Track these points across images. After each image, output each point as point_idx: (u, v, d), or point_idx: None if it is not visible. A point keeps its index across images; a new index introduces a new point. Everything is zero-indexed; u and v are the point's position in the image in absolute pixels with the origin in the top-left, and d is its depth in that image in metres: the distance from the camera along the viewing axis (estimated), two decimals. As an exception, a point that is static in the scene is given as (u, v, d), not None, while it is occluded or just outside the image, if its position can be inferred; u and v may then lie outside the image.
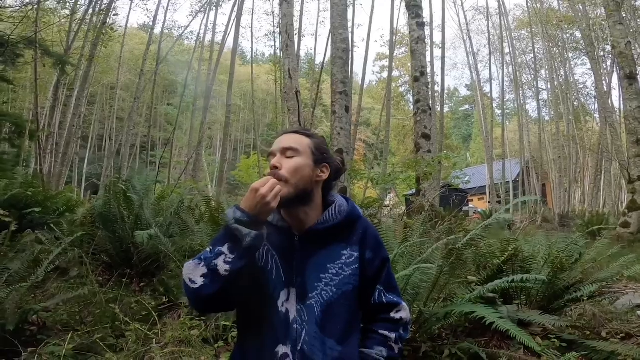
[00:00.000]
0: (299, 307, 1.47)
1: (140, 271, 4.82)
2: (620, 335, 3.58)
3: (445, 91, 34.80)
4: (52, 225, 4.86)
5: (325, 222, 1.55)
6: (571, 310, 3.76)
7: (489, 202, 31.15)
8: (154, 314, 3.78)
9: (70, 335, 3.26)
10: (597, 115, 30.92)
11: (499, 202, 29.45)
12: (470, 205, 29.74)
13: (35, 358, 2.95)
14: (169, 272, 4.49)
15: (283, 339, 1.44)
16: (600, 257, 4.59)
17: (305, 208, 1.54)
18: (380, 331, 1.62)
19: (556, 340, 3.41)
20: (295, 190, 1.48)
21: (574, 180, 30.82)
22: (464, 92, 73.05)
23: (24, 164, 13.32)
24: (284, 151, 1.52)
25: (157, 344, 3.38)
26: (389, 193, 19.37)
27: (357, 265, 1.55)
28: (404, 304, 1.68)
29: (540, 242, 4.49)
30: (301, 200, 1.52)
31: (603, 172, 28.80)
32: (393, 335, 1.62)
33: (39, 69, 12.28)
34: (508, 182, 32.23)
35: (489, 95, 37.36)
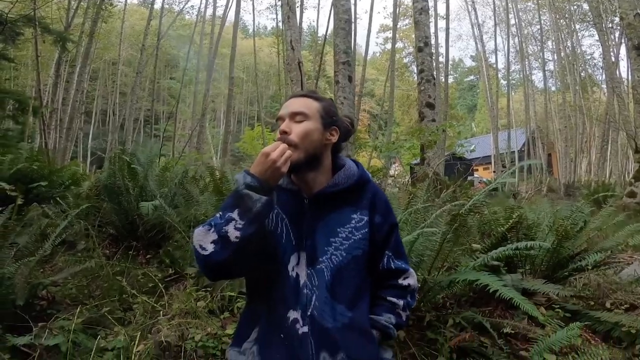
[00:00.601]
0: (309, 271, 1.47)
1: (146, 243, 4.84)
2: (625, 306, 3.59)
3: (450, 62, 34.53)
4: (58, 199, 4.89)
5: (336, 185, 1.55)
6: (575, 279, 3.78)
7: (494, 171, 31.06)
8: (160, 285, 3.81)
9: (79, 309, 3.25)
10: (604, 86, 30.72)
11: (504, 172, 29.26)
12: (475, 175, 29.63)
13: (46, 333, 2.94)
14: (174, 243, 4.51)
15: (293, 304, 1.44)
16: (605, 226, 4.58)
17: (314, 172, 1.55)
18: (389, 298, 1.63)
19: (560, 310, 3.42)
20: (305, 154, 1.48)
21: (580, 150, 30.73)
22: (469, 63, 72.88)
23: (29, 140, 13.23)
24: (293, 115, 1.51)
25: (164, 316, 3.38)
26: (394, 163, 19.33)
27: (366, 230, 1.55)
28: (411, 270, 1.69)
29: (544, 210, 4.47)
30: (311, 165, 1.52)
31: (610, 142, 28.58)
32: (401, 302, 1.63)
33: (40, 47, 12.16)
34: (513, 151, 32.07)
35: (494, 66, 36.96)
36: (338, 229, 1.52)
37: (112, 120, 38.50)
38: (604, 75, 29.43)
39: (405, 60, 42.20)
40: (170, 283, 4.20)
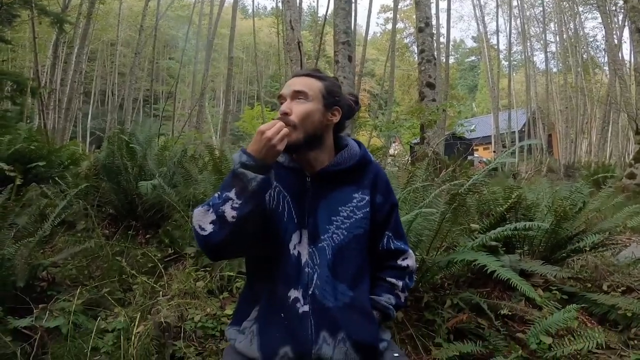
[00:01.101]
0: (310, 249, 1.48)
1: (145, 222, 4.83)
2: (621, 288, 3.60)
3: (451, 43, 34.37)
4: (56, 179, 4.87)
5: (338, 164, 1.56)
6: (573, 261, 3.78)
7: (494, 151, 31.04)
8: (159, 265, 3.82)
9: (79, 290, 3.25)
10: (606, 68, 30.63)
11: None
12: (475, 155, 29.63)
13: (47, 314, 2.93)
14: (172, 222, 4.50)
15: (294, 283, 1.45)
16: (604, 207, 4.58)
17: (315, 151, 1.55)
18: (388, 278, 1.64)
19: (557, 292, 3.43)
20: (305, 135, 1.47)
21: (580, 131, 30.67)
22: (470, 43, 72.82)
23: (28, 121, 13.21)
24: (295, 95, 1.50)
25: (163, 297, 3.38)
26: (394, 142, 19.30)
27: (367, 209, 1.56)
28: (410, 251, 1.70)
29: (543, 191, 4.47)
30: (311, 145, 1.52)
31: (611, 123, 28.53)
32: (400, 283, 1.64)
33: (37, 28, 12.05)
34: (514, 132, 32.01)
35: (496, 47, 36.76)
36: (339, 208, 1.53)
37: (111, 100, 38.51)
38: (606, 58, 29.33)
39: (406, 41, 42.12)
40: (169, 263, 4.21)
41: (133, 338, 2.79)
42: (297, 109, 1.47)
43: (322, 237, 1.49)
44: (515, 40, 36.39)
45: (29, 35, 23.52)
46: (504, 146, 30.41)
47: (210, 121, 41.27)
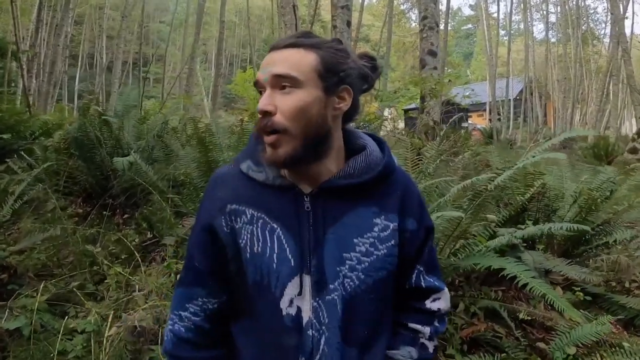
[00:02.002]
0: (315, 303, 1.01)
1: (122, 202, 4.41)
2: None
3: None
4: (22, 153, 4.37)
5: (349, 176, 1.05)
6: (603, 260, 3.39)
7: (490, 119, 30.79)
8: (136, 254, 3.42)
9: (42, 284, 2.92)
10: (606, 40, 30.85)
11: (499, 120, 29.15)
12: (470, 122, 29.40)
13: (6, 313, 2.65)
14: (149, 207, 4.06)
15: (293, 352, 1.02)
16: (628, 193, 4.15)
17: (321, 162, 1.04)
18: (411, 325, 1.18)
19: (580, 293, 3.07)
20: (303, 142, 0.98)
21: (576, 102, 30.56)
22: (467, 12, 72.75)
23: (13, 84, 13.20)
24: (276, 81, 0.97)
25: (139, 292, 3.04)
26: (390, 107, 18.89)
27: (394, 242, 1.07)
28: (445, 289, 1.22)
29: (564, 175, 3.97)
30: (314, 154, 1.01)
31: (611, 94, 28.32)
32: (427, 330, 1.17)
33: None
34: (509, 100, 31.82)
35: (495, 15, 36.44)
36: (355, 240, 1.04)
37: (100, 63, 37.67)
38: (606, 30, 29.22)
39: (402, 7, 41.46)
40: (149, 248, 3.86)
41: (105, 342, 2.48)
42: (284, 104, 0.97)
43: (331, 285, 1.02)
44: (515, 10, 35.95)
45: (11, -3, 22.86)
46: (498, 114, 30.21)
47: (202, 84, 40.77)
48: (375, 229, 1.06)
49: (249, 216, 1.04)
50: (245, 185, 1.06)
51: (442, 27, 26.17)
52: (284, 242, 1.02)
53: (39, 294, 2.78)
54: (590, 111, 31.78)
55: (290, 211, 1.04)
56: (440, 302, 1.19)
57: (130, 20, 26.03)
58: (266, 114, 0.96)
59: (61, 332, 2.49)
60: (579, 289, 3.12)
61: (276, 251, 1.02)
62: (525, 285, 2.19)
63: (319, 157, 1.03)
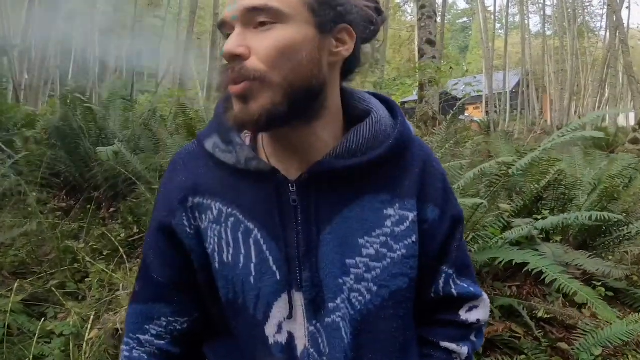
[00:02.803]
0: (312, 328, 0.75)
1: (108, 194, 4.16)
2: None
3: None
4: (1, 145, 4.10)
5: (351, 152, 0.75)
6: (620, 249, 3.17)
7: (487, 111, 30.75)
8: (121, 250, 3.18)
9: (17, 283, 2.70)
10: (602, 33, 31.24)
11: (496, 112, 29.13)
12: (466, 114, 29.25)
13: None
14: (133, 199, 3.81)
15: None
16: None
17: (308, 126, 0.74)
18: (443, 344, 0.87)
19: (602, 289, 2.83)
20: (287, 93, 0.68)
21: (573, 94, 30.67)
22: (462, 5, 73.25)
23: (4, 80, 12.67)
24: (251, 17, 0.67)
25: (123, 290, 2.82)
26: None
27: (415, 238, 0.79)
28: (484, 296, 0.92)
29: (577, 163, 3.73)
30: (302, 114, 0.71)
31: (607, 87, 28.36)
32: (464, 350, 0.87)
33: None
34: (506, 92, 31.85)
35: (491, 9, 36.66)
36: (361, 240, 0.76)
37: (93, 58, 37.48)
38: (601, 22, 29.48)
39: (398, 0, 41.64)
40: (136, 243, 3.60)
41: (85, 346, 2.32)
42: (261, 45, 0.67)
43: (331, 303, 0.75)
44: (511, 2, 36.04)
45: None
46: (495, 106, 30.17)
47: (196, 78, 40.63)
48: (388, 222, 0.78)
49: (215, 213, 0.77)
50: (211, 170, 0.79)
51: (438, 19, 26.26)
52: (264, 248, 0.75)
53: (13, 294, 2.55)
54: (587, 103, 31.85)
55: (270, 206, 0.76)
56: (479, 312, 0.90)
57: (121, 14, 25.77)
58: (235, 57, 0.67)
59: (37, 334, 2.29)
60: (600, 283, 2.88)
61: (254, 260, 0.75)
62: (541, 280, 1.98)
63: (308, 120, 0.74)
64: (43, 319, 2.53)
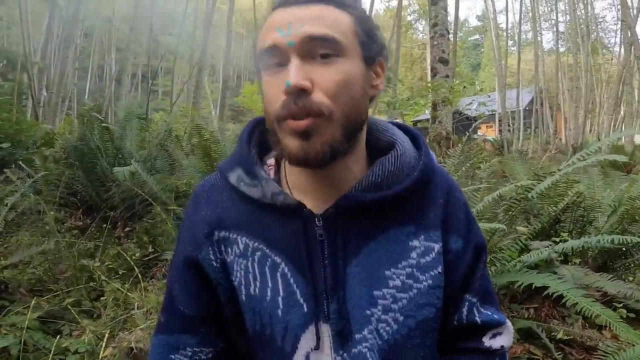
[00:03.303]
0: (339, 358, 0.74)
1: (124, 215, 4.19)
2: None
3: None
4: (20, 163, 4.16)
5: (376, 186, 0.75)
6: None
7: (500, 130, 30.58)
8: (136, 269, 3.21)
9: (34, 300, 2.72)
10: (616, 49, 30.76)
11: (510, 131, 28.92)
12: (479, 133, 29.07)
13: None
14: (149, 219, 3.82)
15: None
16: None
17: (345, 160, 0.75)
18: None
19: (623, 310, 2.78)
20: (345, 130, 0.70)
21: (588, 112, 30.32)
22: (474, 22, 73.19)
23: (24, 97, 12.83)
24: (312, 46, 0.67)
25: (139, 309, 2.84)
26: (395, 118, 18.76)
27: (440, 268, 0.79)
28: (508, 323, 0.91)
29: (596, 185, 3.68)
30: (349, 148, 0.74)
31: (623, 104, 28.08)
32: None
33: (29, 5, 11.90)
34: (520, 110, 31.66)
35: (502, 25, 36.64)
36: (387, 272, 0.77)
37: (109, 76, 38.01)
38: (615, 38, 29.40)
39: (409, 18, 41.81)
40: (150, 263, 3.64)
41: None
42: (325, 79, 0.67)
43: (358, 334, 0.75)
44: (523, 20, 36.02)
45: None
46: (508, 125, 29.99)
47: (209, 97, 40.90)
48: (413, 254, 0.78)
49: (241, 247, 0.78)
50: (236, 203, 0.79)
51: (450, 37, 26.31)
52: (292, 282, 0.76)
53: (30, 311, 2.58)
54: (602, 121, 31.52)
55: (297, 240, 0.76)
56: (503, 338, 0.89)
57: (138, 32, 26.11)
58: (301, 92, 0.66)
59: (52, 351, 2.31)
60: (621, 305, 2.83)
61: (281, 294, 0.76)
62: (560, 301, 1.95)
63: (346, 153, 0.74)
64: (58, 336, 2.55)
